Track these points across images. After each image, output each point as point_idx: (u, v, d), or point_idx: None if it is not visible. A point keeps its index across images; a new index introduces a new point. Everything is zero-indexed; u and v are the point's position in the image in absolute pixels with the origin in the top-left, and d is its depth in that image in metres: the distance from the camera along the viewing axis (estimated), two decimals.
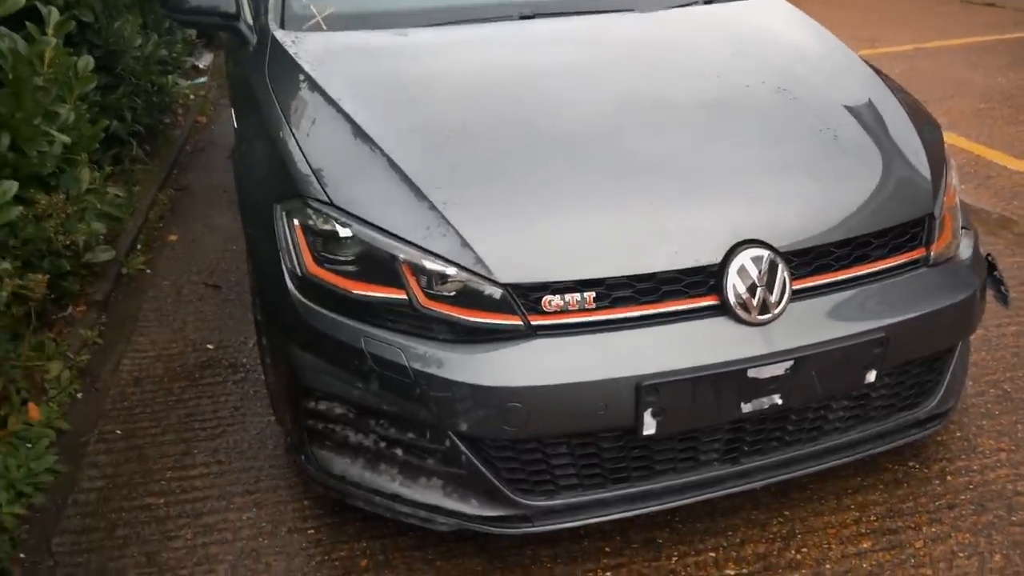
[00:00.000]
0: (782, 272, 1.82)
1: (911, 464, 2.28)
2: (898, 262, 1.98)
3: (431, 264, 1.76)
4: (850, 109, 2.22)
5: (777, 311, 1.82)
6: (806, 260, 1.88)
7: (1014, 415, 2.46)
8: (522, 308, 1.75)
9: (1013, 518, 2.09)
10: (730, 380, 1.79)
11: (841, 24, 8.09)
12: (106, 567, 2.05)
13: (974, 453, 2.32)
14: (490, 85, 2.23)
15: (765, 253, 1.82)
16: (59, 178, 3.16)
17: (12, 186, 2.34)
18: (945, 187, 2.12)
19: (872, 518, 2.11)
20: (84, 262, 3.33)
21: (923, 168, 2.09)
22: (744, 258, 1.81)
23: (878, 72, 2.49)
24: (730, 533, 2.08)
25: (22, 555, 2.10)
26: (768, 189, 1.94)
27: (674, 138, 2.04)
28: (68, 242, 2.93)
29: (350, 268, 1.83)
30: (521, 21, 2.58)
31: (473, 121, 2.07)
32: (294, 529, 2.14)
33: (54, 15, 3.18)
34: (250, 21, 2.70)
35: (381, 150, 1.94)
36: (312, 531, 2.13)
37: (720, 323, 1.81)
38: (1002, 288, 2.27)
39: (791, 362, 1.82)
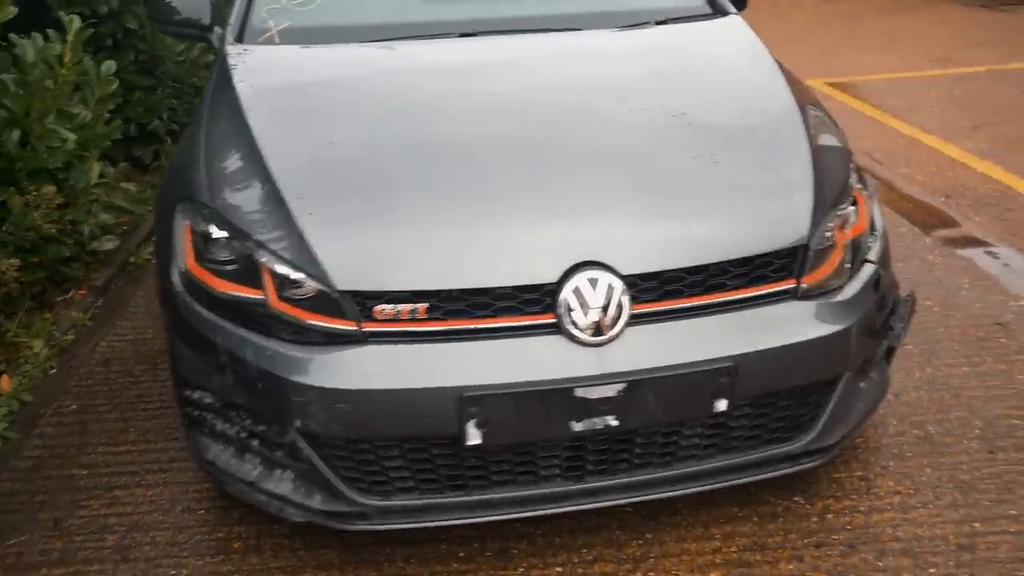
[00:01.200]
0: (619, 295, 1.84)
1: (795, 499, 2.24)
2: (760, 292, 1.96)
3: (281, 268, 1.88)
4: (744, 137, 2.21)
5: (612, 333, 1.84)
6: (653, 285, 1.89)
7: (926, 459, 2.36)
8: (357, 314, 1.84)
9: (879, 563, 2.02)
10: (556, 398, 1.83)
11: (922, 41, 7.79)
12: (17, 527, 2.26)
13: (867, 493, 2.24)
14: (392, 101, 2.33)
15: (602, 275, 1.84)
16: (68, 172, 3.47)
17: None
18: (835, 219, 2.07)
19: (732, 549, 2.09)
20: (89, 250, 3.63)
21: (803, 201, 2.04)
22: (580, 279, 1.84)
23: (808, 105, 2.42)
24: (584, 551, 2.10)
25: None
26: (621, 212, 1.96)
27: (544, 159, 2.08)
28: (60, 230, 3.21)
29: (219, 267, 1.97)
30: (460, 39, 2.67)
31: (361, 134, 2.18)
32: (187, 508, 2.30)
33: (75, 23, 3.49)
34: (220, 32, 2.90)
35: (263, 159, 2.07)
36: (202, 512, 2.29)
37: (553, 341, 1.85)
38: (894, 326, 2.20)
39: (623, 384, 1.84)
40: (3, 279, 2.82)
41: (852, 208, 2.18)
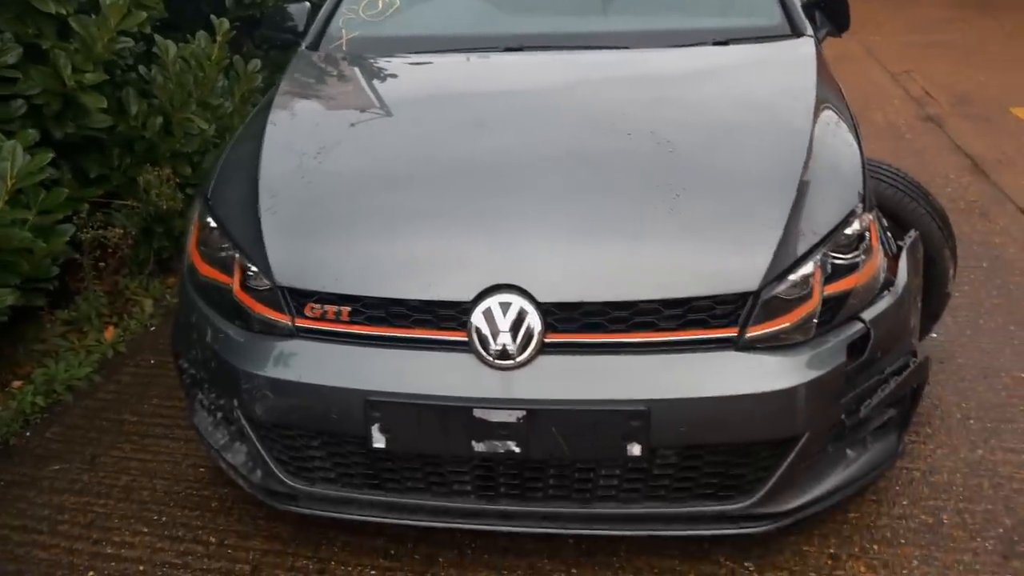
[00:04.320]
0: (530, 322, 1.82)
1: (746, 564, 2.07)
2: (693, 336, 1.85)
3: (241, 259, 2.06)
4: (724, 174, 2.07)
5: (519, 359, 1.83)
6: (572, 316, 1.85)
7: (920, 550, 2.08)
8: (292, 310, 1.97)
9: None
10: (456, 415, 1.84)
11: None
12: (63, 456, 2.65)
13: (830, 574, 2.02)
14: (399, 116, 2.44)
15: (516, 300, 1.83)
16: (204, 157, 3.94)
17: (46, 155, 2.93)
18: (800, 270, 1.89)
19: None
20: None
21: (763, 247, 1.88)
22: (493, 302, 1.84)
23: (838, 151, 2.21)
24: (506, 572, 2.09)
25: (27, 434, 2.78)
26: (554, 239, 1.92)
27: (503, 180, 2.09)
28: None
29: (208, 253, 2.19)
30: (503, 53, 2.72)
31: (352, 145, 2.31)
32: (192, 464, 2.56)
33: (223, 25, 3.94)
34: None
35: (259, 160, 2.26)
36: (203, 470, 2.54)
37: (461, 360, 1.86)
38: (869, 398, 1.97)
39: (523, 412, 1.82)
40: (117, 245, 3.27)
41: (850, 259, 1.98)
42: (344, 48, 2.90)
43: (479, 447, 1.87)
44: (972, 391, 2.70)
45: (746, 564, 2.07)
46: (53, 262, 3.06)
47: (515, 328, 1.82)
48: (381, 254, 1.96)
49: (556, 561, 2.12)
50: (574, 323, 1.85)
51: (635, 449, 1.84)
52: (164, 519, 2.35)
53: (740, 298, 1.86)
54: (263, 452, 2.07)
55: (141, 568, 2.18)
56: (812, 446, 1.95)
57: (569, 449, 1.85)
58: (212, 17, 3.96)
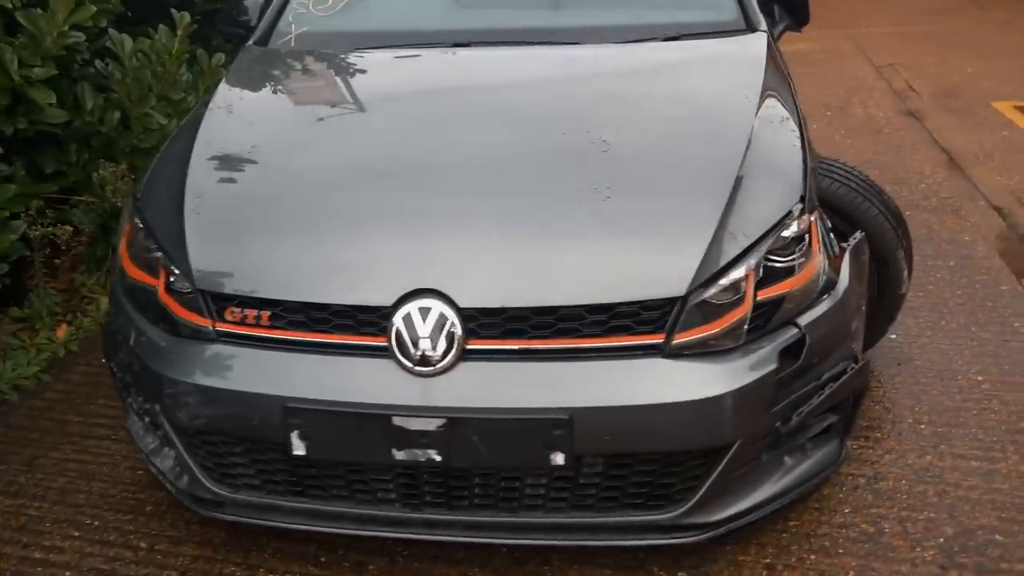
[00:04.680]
0: (451, 328, 1.78)
1: (679, 575, 2.02)
2: (619, 343, 1.80)
3: (165, 261, 2.01)
4: (657, 174, 2.02)
5: (439, 365, 1.78)
6: (494, 321, 1.80)
7: (857, 560, 2.04)
8: (213, 314, 1.93)
9: None
10: (375, 423, 1.80)
11: None
12: (3, 458, 2.61)
13: None
14: (333, 113, 2.39)
15: (436, 305, 1.79)
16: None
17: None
18: (731, 274, 1.84)
19: None
20: None
21: (693, 251, 1.84)
22: (413, 307, 1.80)
23: (782, 148, 2.16)
24: None
25: None
26: (476, 243, 1.88)
27: (430, 183, 2.04)
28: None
29: (135, 255, 2.14)
30: (450, 49, 2.66)
31: (282, 145, 2.26)
32: (131, 467, 2.52)
33: (184, 19, 3.87)
34: None
35: (189, 159, 2.21)
36: (141, 472, 2.49)
37: (381, 366, 1.82)
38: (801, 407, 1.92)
39: (443, 420, 1.78)
40: (68, 243, 3.23)
41: (788, 262, 1.93)
42: (293, 44, 2.85)
43: (399, 455, 1.82)
44: (926, 394, 2.65)
45: (679, 574, 2.03)
46: (3, 259, 3.02)
47: (436, 334, 1.78)
48: (302, 257, 1.92)
49: (487, 570, 2.08)
50: (496, 329, 1.81)
51: (558, 458, 1.79)
52: (97, 523, 2.31)
53: (666, 303, 1.81)
54: (188, 458, 2.03)
55: (67, 574, 2.14)
56: (744, 455, 1.90)
57: (491, 458, 1.81)
58: (173, 11, 3.91)
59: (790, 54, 7.31)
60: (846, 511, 2.19)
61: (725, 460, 1.87)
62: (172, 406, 1.95)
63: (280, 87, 2.59)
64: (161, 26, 3.83)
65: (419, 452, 1.82)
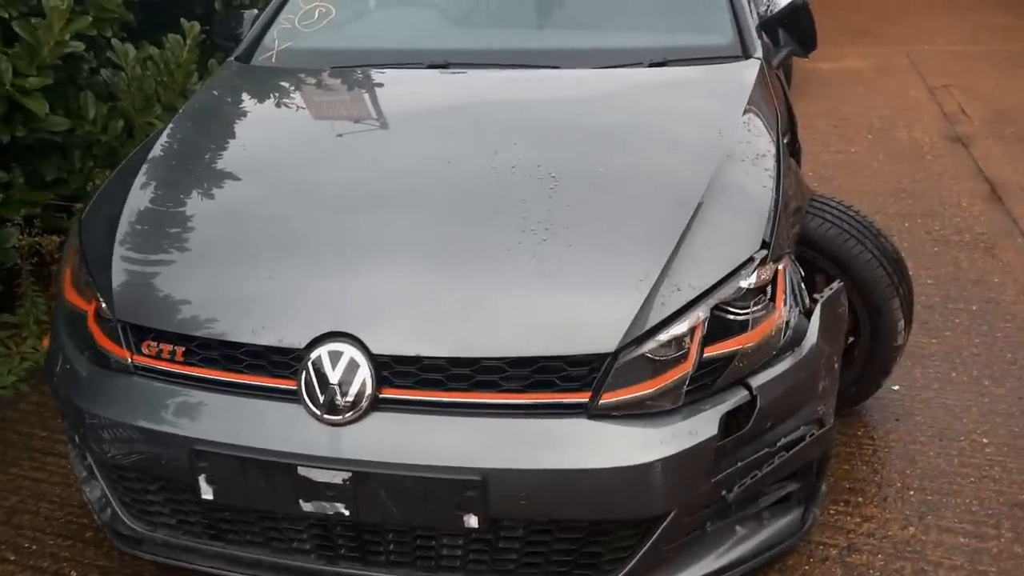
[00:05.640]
0: (362, 375, 1.67)
1: None
2: (539, 400, 1.66)
3: (94, 288, 1.95)
4: (603, 216, 1.89)
5: (349, 415, 1.67)
6: (409, 370, 1.69)
7: None
8: (131, 346, 1.85)
9: None
10: (281, 472, 1.70)
11: None
12: None
13: None
14: (284, 138, 2.32)
15: (347, 350, 1.68)
16: None
17: None
18: (672, 329, 1.69)
19: None
20: None
21: (627, 301, 1.69)
22: (323, 351, 1.69)
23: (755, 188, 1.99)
24: None
25: None
26: (396, 286, 1.76)
27: (357, 218, 1.94)
28: None
29: (75, 278, 2.09)
30: (424, 71, 2.55)
31: (225, 168, 2.19)
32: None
33: (193, 29, 3.87)
34: None
35: (132, 183, 2.15)
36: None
37: (291, 411, 1.72)
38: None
39: (349, 474, 1.67)
40: (54, 253, 3.23)
41: (745, 315, 1.77)
42: (274, 60, 2.78)
43: (307, 507, 1.72)
44: (922, 455, 2.43)
45: None
46: None
47: (347, 380, 1.67)
48: (219, 291, 1.84)
49: None
50: (410, 378, 1.69)
51: (472, 520, 1.67)
52: (35, 547, 2.27)
53: (595, 359, 1.67)
54: (108, 492, 1.97)
55: None
56: (683, 525, 1.75)
57: (401, 516, 1.70)
58: (182, 20, 3.90)
59: (840, 71, 7.09)
60: None
61: (659, 531, 1.72)
62: (90, 437, 1.89)
63: (242, 108, 2.52)
64: (172, 35, 3.84)
65: (327, 505, 1.71)
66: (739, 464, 1.76)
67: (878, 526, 2.18)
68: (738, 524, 1.87)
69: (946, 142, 5.18)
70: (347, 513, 1.71)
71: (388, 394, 1.69)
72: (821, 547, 2.12)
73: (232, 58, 2.83)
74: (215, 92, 2.63)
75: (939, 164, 4.79)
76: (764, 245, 1.87)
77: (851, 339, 2.47)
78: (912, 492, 2.29)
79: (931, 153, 4.99)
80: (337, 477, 1.68)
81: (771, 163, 2.09)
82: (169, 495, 1.88)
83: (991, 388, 2.72)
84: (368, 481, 1.67)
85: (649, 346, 1.69)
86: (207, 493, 1.77)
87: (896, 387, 2.71)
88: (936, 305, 3.22)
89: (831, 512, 2.23)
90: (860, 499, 2.28)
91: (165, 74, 3.78)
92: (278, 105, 2.50)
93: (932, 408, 2.64)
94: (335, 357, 1.68)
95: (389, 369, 1.69)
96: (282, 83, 2.62)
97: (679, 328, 1.71)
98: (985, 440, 2.48)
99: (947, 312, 3.17)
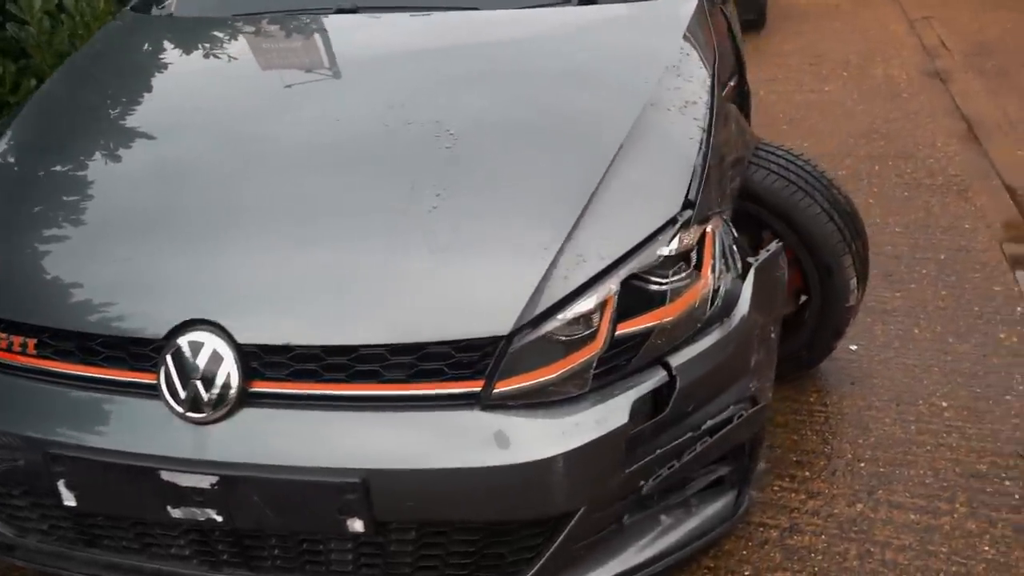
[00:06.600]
0: (227, 367, 1.48)
1: None
2: (426, 391, 1.48)
3: None
4: (504, 179, 1.67)
5: (214, 412, 1.49)
6: (279, 361, 1.49)
7: None
8: None
9: None
10: (144, 477, 1.52)
11: None
12: None
13: None
14: (163, 99, 2.09)
15: (210, 339, 1.49)
16: None
17: None
18: (576, 306, 1.49)
19: None
20: None
21: (524, 276, 1.49)
22: (184, 341, 1.50)
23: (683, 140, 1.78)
24: None
25: None
26: (262, 263, 1.56)
27: (225, 190, 1.73)
28: None
29: None
30: (331, 16, 2.31)
31: (94, 135, 1.96)
32: None
33: None
34: None
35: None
36: None
37: (152, 409, 1.53)
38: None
39: (216, 478, 1.49)
40: None
41: (664, 285, 1.58)
42: (174, 9, 2.53)
43: (176, 514, 1.54)
44: (877, 423, 2.27)
45: None
46: None
47: (211, 373, 1.49)
48: (74, 275, 1.63)
49: None
50: (282, 370, 1.50)
51: (356, 524, 1.49)
52: None
53: (487, 343, 1.47)
54: None
55: None
56: (595, 521, 1.57)
57: (280, 522, 1.52)
58: None
59: (817, 5, 6.77)
60: (746, 573, 1.86)
61: (567, 529, 1.55)
62: None
63: (124, 65, 2.27)
64: None
65: (197, 511, 1.53)
66: (658, 452, 1.58)
67: (824, 503, 2.02)
68: (662, 514, 1.70)
69: (924, 78, 4.93)
70: (220, 519, 1.53)
71: (258, 388, 1.50)
72: (761, 529, 1.97)
73: (128, 7, 2.58)
74: (100, 47, 2.39)
75: (915, 102, 4.56)
76: (688, 204, 1.67)
77: (803, 299, 2.29)
78: (863, 464, 2.13)
79: (908, 90, 4.75)
80: (204, 481, 1.50)
81: (702, 111, 1.87)
82: (34, 499, 1.71)
83: (955, 345, 2.55)
84: (238, 485, 1.49)
85: (550, 326, 1.49)
86: (69, 500, 1.59)
87: (854, 347, 2.54)
88: (903, 255, 3.03)
89: (775, 488, 2.07)
90: (807, 473, 2.12)
91: (81, 27, 3.51)
92: (164, 61, 2.26)
93: (891, 369, 2.47)
94: (196, 348, 1.49)
95: (258, 360, 1.50)
96: (174, 35, 2.36)
97: (585, 304, 1.51)
98: (944, 404, 2.31)
99: (914, 262, 2.97)
